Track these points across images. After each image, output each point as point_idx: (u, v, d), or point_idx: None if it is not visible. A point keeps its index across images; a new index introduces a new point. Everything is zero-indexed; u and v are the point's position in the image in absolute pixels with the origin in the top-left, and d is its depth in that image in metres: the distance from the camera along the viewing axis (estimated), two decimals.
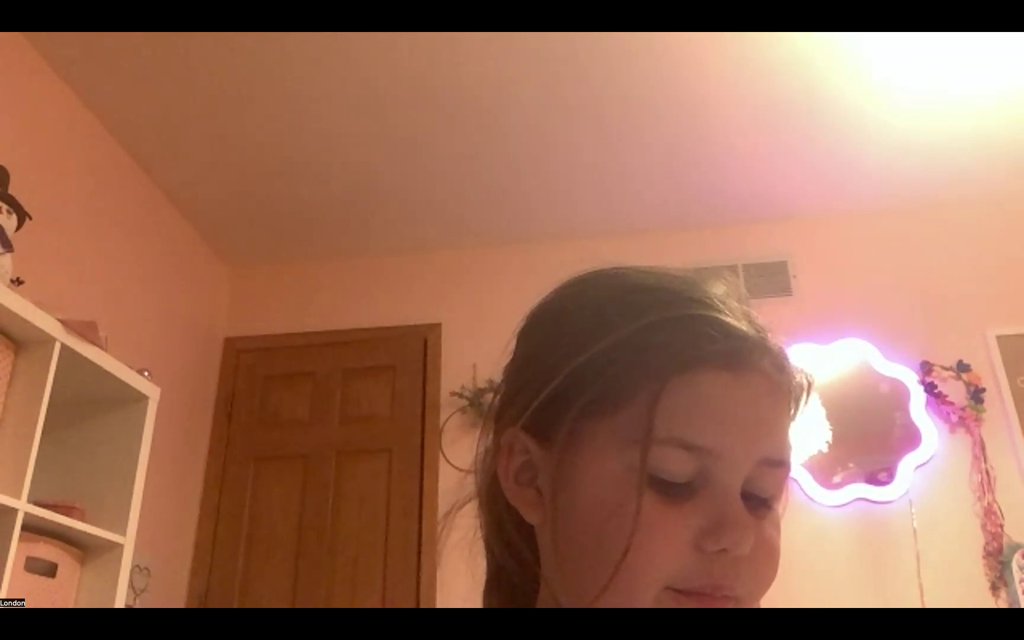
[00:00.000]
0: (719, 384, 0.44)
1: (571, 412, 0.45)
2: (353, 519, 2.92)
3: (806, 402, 0.49)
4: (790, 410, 0.48)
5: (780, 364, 0.47)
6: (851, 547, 2.60)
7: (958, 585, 2.48)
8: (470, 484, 0.55)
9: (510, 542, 0.52)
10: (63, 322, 1.77)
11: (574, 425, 0.45)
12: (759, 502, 0.45)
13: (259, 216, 3.10)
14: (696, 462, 0.43)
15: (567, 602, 0.46)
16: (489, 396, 2.78)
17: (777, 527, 0.46)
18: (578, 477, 0.45)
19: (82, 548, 1.89)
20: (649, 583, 0.42)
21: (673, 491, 0.43)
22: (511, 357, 0.54)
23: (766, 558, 0.44)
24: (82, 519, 1.83)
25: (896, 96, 2.49)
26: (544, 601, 0.50)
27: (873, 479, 2.66)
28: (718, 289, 0.47)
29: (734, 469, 0.43)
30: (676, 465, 0.43)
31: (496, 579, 0.56)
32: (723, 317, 0.45)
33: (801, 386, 0.49)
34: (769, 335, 0.47)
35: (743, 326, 0.45)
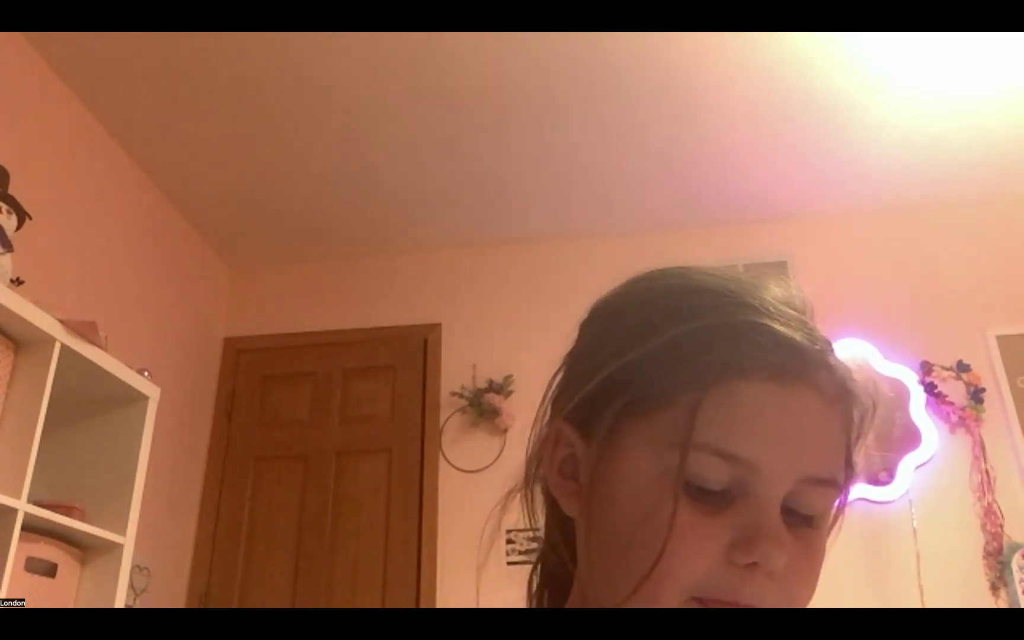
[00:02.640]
0: (763, 395, 0.42)
1: (611, 410, 0.45)
2: (353, 519, 2.92)
3: (871, 424, 0.47)
4: (848, 429, 0.46)
5: (838, 380, 0.45)
6: (851, 547, 2.60)
7: (958, 585, 2.48)
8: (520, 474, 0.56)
9: (550, 535, 0.53)
10: (63, 322, 1.77)
11: (614, 423, 0.45)
12: (800, 519, 0.44)
13: (259, 216, 3.10)
14: (733, 472, 0.42)
15: (595, 600, 0.46)
16: (489, 396, 2.77)
17: (820, 549, 0.45)
18: (614, 475, 0.45)
19: (82, 548, 1.89)
20: (676, 590, 0.41)
21: (708, 499, 0.42)
22: (571, 347, 0.54)
23: (799, 578, 0.43)
24: (82, 519, 1.83)
25: (896, 96, 2.49)
26: (574, 599, 0.50)
27: (873, 479, 2.66)
28: (776, 294, 0.46)
29: (773, 483, 0.42)
30: (712, 473, 0.42)
31: (544, 570, 0.56)
32: (774, 325, 0.44)
33: (865, 407, 0.47)
34: (827, 348, 0.45)
35: (796, 336, 0.44)
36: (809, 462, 0.43)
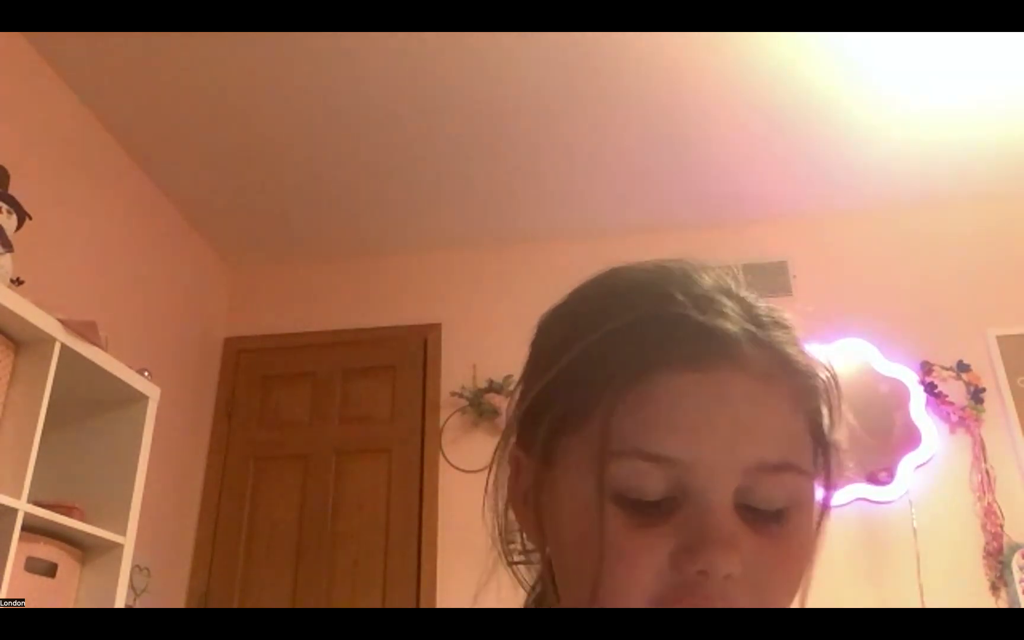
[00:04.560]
0: (680, 386, 0.39)
1: (542, 428, 0.43)
2: (353, 519, 2.92)
3: (838, 399, 0.45)
4: (803, 406, 0.43)
5: (773, 356, 0.42)
6: (851, 547, 2.59)
7: (958, 585, 2.48)
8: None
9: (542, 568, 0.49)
10: (63, 322, 1.77)
11: (548, 442, 0.43)
12: (766, 516, 0.40)
13: (259, 216, 3.10)
14: (668, 475, 0.39)
15: None
16: (489, 396, 2.76)
17: (797, 545, 0.41)
18: (555, 498, 0.43)
19: (82, 548, 1.89)
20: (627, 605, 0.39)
21: (645, 510, 0.39)
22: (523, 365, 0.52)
23: (771, 578, 0.40)
24: (82, 519, 1.83)
25: (896, 95, 2.49)
26: None
27: (873, 479, 2.66)
28: (706, 283, 0.44)
29: (715, 479, 0.39)
30: (644, 480, 0.39)
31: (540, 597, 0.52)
32: (689, 314, 0.41)
33: (819, 378, 0.44)
34: (770, 327, 0.43)
35: (716, 321, 0.41)
36: (749, 449, 0.39)
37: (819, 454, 0.44)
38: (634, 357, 0.40)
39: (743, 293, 0.45)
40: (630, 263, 0.48)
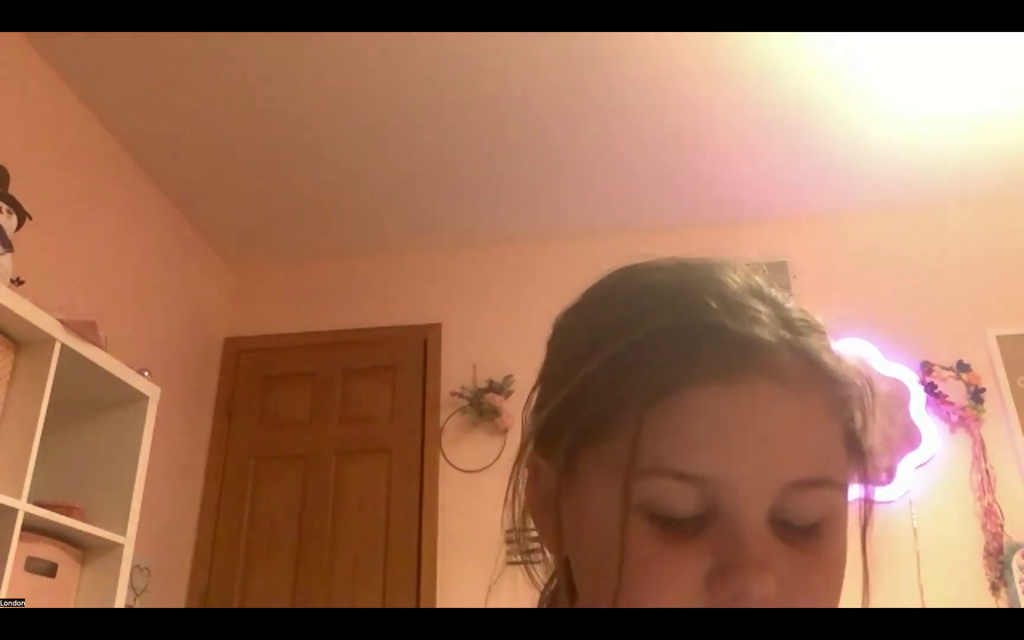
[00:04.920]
0: (711, 400, 0.38)
1: (564, 437, 0.42)
2: (353, 519, 2.92)
3: (872, 404, 0.43)
4: (838, 415, 0.41)
5: (808, 363, 0.40)
6: (851, 547, 2.59)
7: (958, 585, 2.48)
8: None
9: (556, 569, 0.48)
10: (63, 322, 1.77)
11: (571, 452, 0.42)
12: (800, 530, 0.39)
13: (259, 216, 3.10)
14: (698, 492, 0.37)
15: None
16: (489, 396, 2.75)
17: (833, 557, 0.40)
18: (576, 509, 0.42)
19: (82, 548, 1.89)
20: None
21: (677, 527, 0.38)
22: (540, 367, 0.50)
23: (807, 589, 0.39)
24: (82, 519, 1.83)
25: (896, 96, 2.49)
26: None
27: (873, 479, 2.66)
28: (732, 284, 0.42)
29: (748, 498, 0.37)
30: (673, 499, 0.37)
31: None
32: (726, 321, 0.39)
33: (855, 385, 0.42)
34: (804, 332, 0.41)
35: (749, 328, 0.39)
36: (785, 467, 0.38)
37: (853, 461, 0.42)
38: (662, 369, 0.38)
39: (774, 293, 0.43)
40: (649, 261, 0.46)
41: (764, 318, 0.40)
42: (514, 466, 0.48)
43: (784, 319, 0.41)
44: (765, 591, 0.37)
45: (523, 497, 0.47)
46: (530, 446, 0.47)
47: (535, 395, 0.48)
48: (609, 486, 0.39)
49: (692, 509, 0.37)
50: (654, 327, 0.40)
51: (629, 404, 0.38)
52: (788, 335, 0.40)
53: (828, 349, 0.42)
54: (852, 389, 0.42)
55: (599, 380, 0.40)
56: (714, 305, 0.40)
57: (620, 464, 0.38)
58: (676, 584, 0.37)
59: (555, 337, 0.48)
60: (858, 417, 0.42)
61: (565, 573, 0.45)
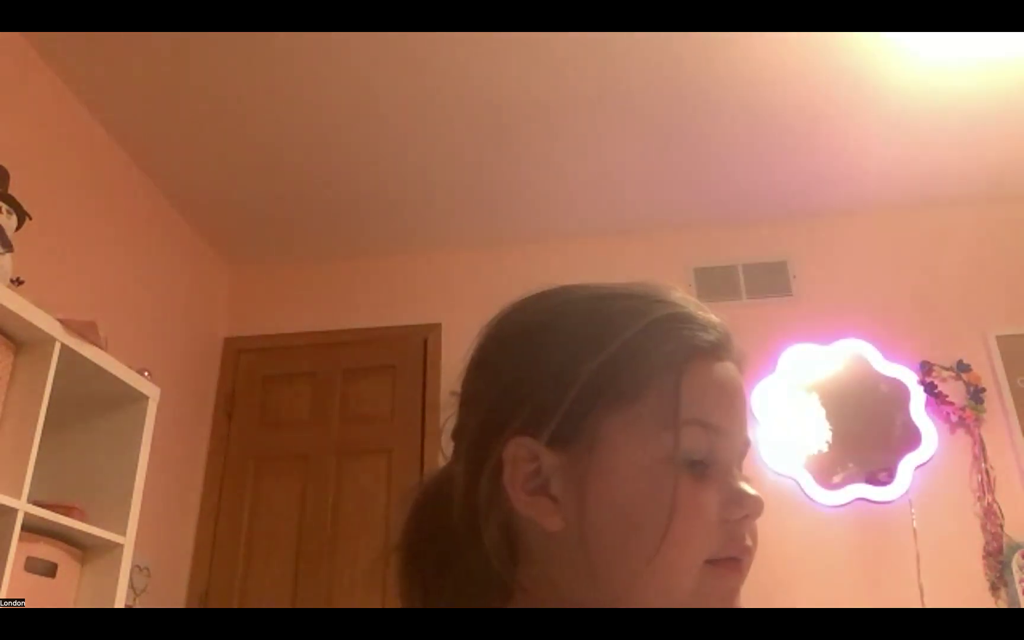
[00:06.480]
0: (718, 370, 0.49)
1: (595, 411, 0.47)
2: (353, 519, 2.92)
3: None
4: None
5: (740, 353, 0.52)
6: (851, 547, 2.60)
7: (958, 585, 2.48)
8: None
9: (491, 541, 0.50)
10: (63, 322, 1.77)
11: (593, 425, 0.47)
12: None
13: (259, 216, 3.10)
14: (710, 441, 0.47)
15: (593, 596, 0.46)
16: None
17: None
18: (606, 472, 0.46)
19: (82, 548, 1.89)
20: (691, 560, 0.45)
21: (697, 469, 0.46)
22: (487, 374, 0.54)
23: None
24: (82, 519, 1.83)
25: (896, 95, 2.49)
26: (530, 602, 0.49)
27: (873, 479, 2.66)
28: (679, 292, 0.52)
29: (734, 445, 0.49)
30: (697, 444, 0.46)
31: (451, 584, 0.54)
32: (701, 313, 0.50)
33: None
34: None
35: (717, 321, 0.51)
36: (746, 425, 0.51)
37: None
38: (679, 345, 0.48)
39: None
40: (575, 283, 0.54)
41: (713, 316, 0.51)
42: (482, 473, 0.50)
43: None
44: (761, 512, 0.47)
45: (507, 486, 0.48)
46: (472, 442, 0.51)
47: (490, 399, 0.52)
48: (643, 442, 0.46)
49: (704, 454, 0.47)
50: (657, 314, 0.49)
51: (657, 371, 0.47)
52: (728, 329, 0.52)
53: None
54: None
55: (624, 355, 0.48)
56: (683, 302, 0.51)
57: (655, 420, 0.46)
58: (707, 515, 0.46)
59: (526, 339, 0.53)
60: None
61: (574, 551, 0.47)
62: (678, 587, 0.44)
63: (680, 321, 0.49)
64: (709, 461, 0.47)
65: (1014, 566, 2.45)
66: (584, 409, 0.47)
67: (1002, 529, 2.52)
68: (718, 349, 0.49)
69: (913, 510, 2.59)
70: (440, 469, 0.58)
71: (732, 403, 0.49)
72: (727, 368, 0.50)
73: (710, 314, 0.51)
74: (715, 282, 3.05)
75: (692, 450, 0.46)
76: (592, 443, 0.47)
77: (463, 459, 0.52)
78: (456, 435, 0.55)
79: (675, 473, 0.45)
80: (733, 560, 0.46)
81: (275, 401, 3.16)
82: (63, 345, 1.76)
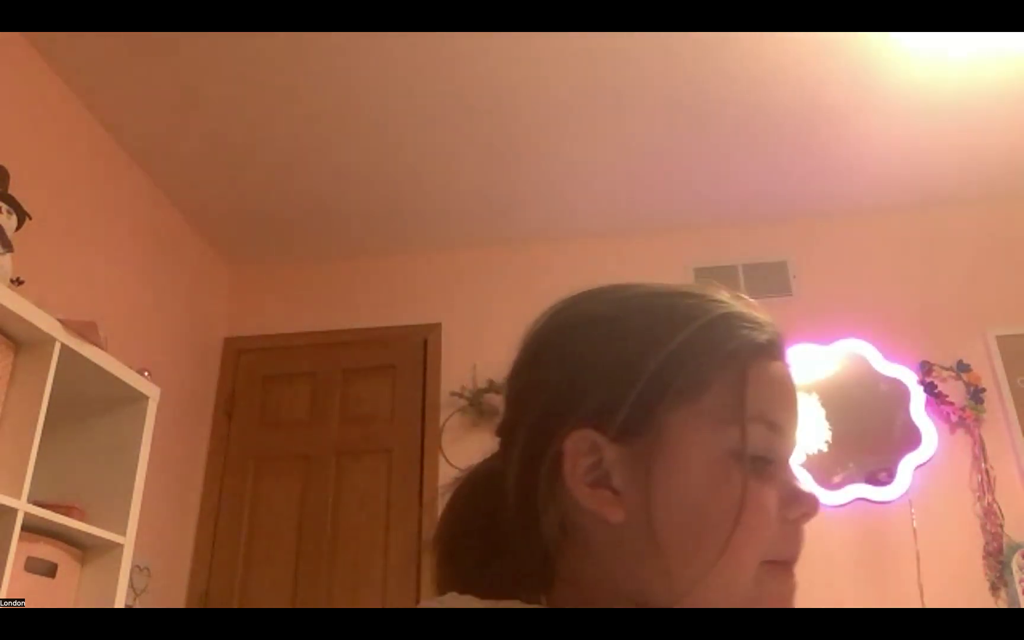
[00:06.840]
0: (777, 369, 0.50)
1: (662, 405, 0.47)
2: (353, 519, 2.92)
3: None
4: None
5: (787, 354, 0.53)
6: (851, 547, 2.59)
7: (958, 585, 2.48)
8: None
9: (535, 543, 0.50)
10: (63, 322, 1.77)
11: (662, 418, 0.47)
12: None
13: (259, 216, 3.10)
14: (771, 438, 0.47)
15: (659, 588, 0.46)
16: (489, 396, 2.74)
17: None
18: (674, 466, 0.46)
19: (82, 548, 1.89)
20: (752, 558, 0.45)
21: (760, 466, 0.46)
22: (540, 367, 0.53)
23: None
24: (82, 519, 1.83)
25: (896, 95, 2.49)
26: (567, 600, 0.49)
27: (873, 479, 2.66)
28: (727, 290, 0.52)
29: (791, 444, 0.49)
30: (761, 440, 0.47)
31: (497, 575, 0.54)
32: (755, 312, 0.51)
33: None
34: None
35: (769, 320, 0.51)
36: (797, 428, 0.51)
37: None
38: (742, 342, 0.48)
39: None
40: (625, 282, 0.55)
41: (766, 315, 0.52)
42: (541, 468, 0.49)
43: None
44: (817, 510, 0.47)
45: (568, 478, 0.48)
46: (571, 434, 0.48)
47: (548, 391, 0.51)
48: (711, 436, 0.46)
49: (767, 451, 0.47)
50: (716, 313, 0.50)
51: (722, 366, 0.48)
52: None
53: None
54: None
55: (690, 350, 0.48)
56: (740, 301, 0.52)
57: (720, 416, 0.47)
58: (770, 512, 0.46)
59: (586, 332, 0.52)
60: None
61: (642, 540, 0.47)
62: (738, 585, 0.44)
63: (738, 319, 0.50)
64: (770, 458, 0.47)
65: (1014, 566, 2.45)
66: (650, 403, 0.47)
67: (1002, 529, 2.52)
68: (774, 348, 0.50)
69: (913, 510, 2.59)
70: (482, 463, 0.58)
71: (790, 402, 0.50)
72: (783, 367, 0.50)
73: (763, 313, 0.51)
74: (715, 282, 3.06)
75: (756, 446, 0.46)
76: (658, 437, 0.47)
77: (518, 449, 0.51)
78: (504, 430, 0.54)
79: (742, 468, 0.45)
80: (787, 563, 0.47)
81: (275, 401, 3.16)
82: (63, 345, 1.76)
